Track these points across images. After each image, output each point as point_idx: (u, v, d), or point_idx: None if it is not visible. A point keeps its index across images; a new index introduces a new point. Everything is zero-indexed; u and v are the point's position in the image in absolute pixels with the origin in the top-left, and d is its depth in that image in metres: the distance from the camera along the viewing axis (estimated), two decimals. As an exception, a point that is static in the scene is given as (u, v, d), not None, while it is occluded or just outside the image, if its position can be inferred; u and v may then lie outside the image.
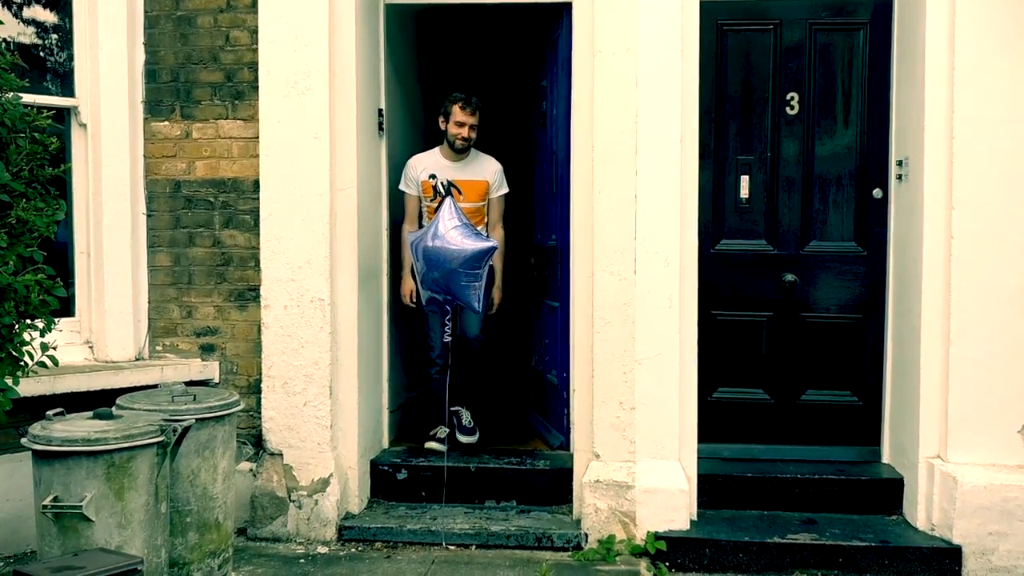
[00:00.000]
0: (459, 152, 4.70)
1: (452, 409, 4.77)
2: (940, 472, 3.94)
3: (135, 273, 4.34)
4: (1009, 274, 3.89)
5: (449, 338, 4.71)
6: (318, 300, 4.17)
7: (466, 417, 4.87)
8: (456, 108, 4.54)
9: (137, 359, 4.33)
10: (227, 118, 4.34)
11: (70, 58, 4.29)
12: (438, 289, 4.22)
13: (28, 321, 2.97)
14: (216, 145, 4.35)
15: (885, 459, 4.43)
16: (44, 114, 3.07)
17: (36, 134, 3.04)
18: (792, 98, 4.46)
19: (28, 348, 2.98)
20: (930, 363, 3.99)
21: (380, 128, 4.68)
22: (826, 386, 4.50)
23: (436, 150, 4.79)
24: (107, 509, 3.11)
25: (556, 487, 4.38)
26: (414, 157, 4.79)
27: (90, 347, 4.30)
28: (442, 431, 4.76)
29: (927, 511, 4.01)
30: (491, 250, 4.12)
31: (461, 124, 4.55)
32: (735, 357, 4.53)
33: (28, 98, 3.29)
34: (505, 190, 4.80)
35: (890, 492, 4.23)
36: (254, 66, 4.25)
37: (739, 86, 4.49)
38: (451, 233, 4.02)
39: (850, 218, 4.46)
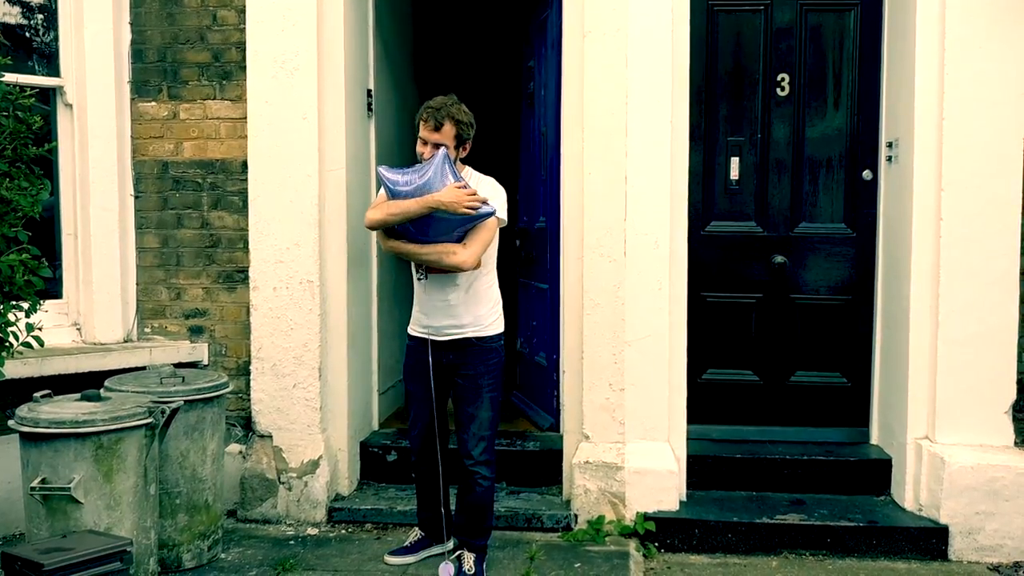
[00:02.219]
0: None
1: (452, 554, 3.62)
2: (928, 453, 3.96)
3: (123, 255, 4.32)
4: (998, 255, 3.89)
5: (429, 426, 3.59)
6: (307, 282, 4.16)
7: (468, 561, 3.53)
8: (420, 123, 3.44)
9: (125, 341, 4.32)
10: (215, 98, 4.30)
11: (56, 38, 4.25)
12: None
13: (13, 302, 2.95)
14: (204, 126, 4.32)
15: (874, 440, 4.45)
16: (27, 92, 3.04)
17: (20, 113, 3.01)
18: (783, 79, 4.45)
19: (13, 329, 2.96)
20: (918, 344, 4.00)
21: (369, 109, 4.66)
22: (815, 367, 4.52)
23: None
24: (96, 491, 3.11)
25: (546, 468, 4.39)
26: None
27: (78, 329, 4.29)
28: (415, 535, 3.81)
29: (915, 491, 4.03)
30: (491, 213, 3.35)
31: (424, 142, 3.43)
32: (725, 339, 4.54)
33: (11, 77, 3.25)
34: (501, 221, 3.47)
35: (878, 473, 4.25)
36: (242, 46, 4.22)
37: (730, 67, 4.47)
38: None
39: (840, 200, 4.46)
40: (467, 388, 3.47)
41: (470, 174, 3.53)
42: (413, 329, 3.59)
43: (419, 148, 3.45)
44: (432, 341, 3.49)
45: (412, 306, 3.62)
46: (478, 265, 3.39)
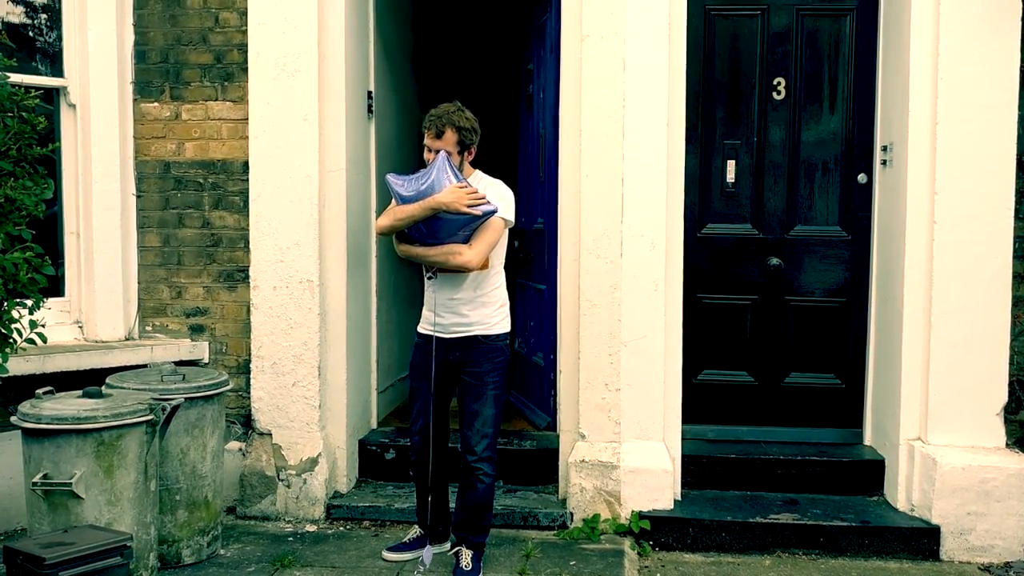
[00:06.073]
0: None
1: (450, 551, 3.66)
2: (920, 454, 4.00)
3: (125, 253, 4.36)
4: (990, 258, 3.93)
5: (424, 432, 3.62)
6: (307, 281, 4.20)
7: (465, 558, 3.55)
8: (425, 131, 3.52)
9: (127, 339, 4.36)
10: (216, 99, 4.34)
11: (60, 38, 4.29)
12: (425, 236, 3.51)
13: (17, 299, 2.99)
14: (206, 126, 4.36)
15: (867, 441, 4.49)
16: (32, 93, 3.08)
17: (24, 113, 3.05)
18: (779, 83, 4.48)
19: (16, 326, 3.00)
20: (912, 346, 4.04)
21: (369, 110, 4.69)
22: (810, 369, 4.55)
23: None
24: (97, 487, 3.15)
25: (542, 467, 4.42)
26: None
27: (80, 327, 4.32)
28: (413, 532, 3.87)
29: (907, 492, 4.07)
30: (493, 211, 3.41)
31: (428, 150, 3.51)
32: (720, 340, 4.57)
33: (16, 78, 3.30)
34: (507, 222, 3.52)
35: (871, 473, 4.28)
36: (243, 47, 4.25)
37: (726, 71, 4.51)
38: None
39: (835, 203, 4.50)
40: (472, 385, 3.51)
41: (479, 178, 3.58)
42: (422, 327, 3.65)
43: (425, 155, 3.53)
44: (439, 338, 3.54)
45: (411, 306, 3.67)
46: (485, 265, 3.45)
